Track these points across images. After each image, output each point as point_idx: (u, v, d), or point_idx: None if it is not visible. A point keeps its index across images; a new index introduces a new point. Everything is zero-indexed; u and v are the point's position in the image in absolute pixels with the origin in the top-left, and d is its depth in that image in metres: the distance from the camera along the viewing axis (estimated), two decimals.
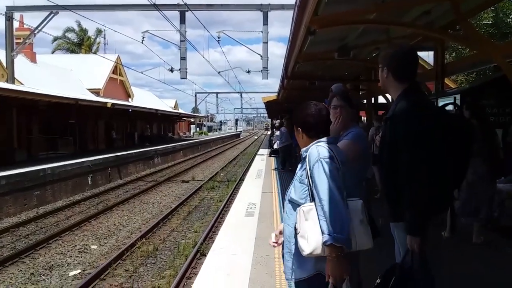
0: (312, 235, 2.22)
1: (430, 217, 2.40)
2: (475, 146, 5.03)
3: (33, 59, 29.70)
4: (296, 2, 5.67)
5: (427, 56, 15.59)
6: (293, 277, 2.38)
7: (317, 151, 2.35)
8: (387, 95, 11.52)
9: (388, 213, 2.57)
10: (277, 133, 16.40)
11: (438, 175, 2.35)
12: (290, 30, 7.38)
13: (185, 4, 18.61)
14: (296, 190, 2.43)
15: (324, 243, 2.15)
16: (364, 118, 14.02)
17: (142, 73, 29.00)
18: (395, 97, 2.57)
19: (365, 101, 14.88)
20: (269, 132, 53.26)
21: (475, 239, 5.34)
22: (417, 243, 2.33)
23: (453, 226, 2.55)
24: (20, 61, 24.22)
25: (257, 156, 22.54)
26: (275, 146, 14.78)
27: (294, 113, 2.64)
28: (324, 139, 2.44)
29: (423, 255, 2.37)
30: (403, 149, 2.36)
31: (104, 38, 46.65)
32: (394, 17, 7.47)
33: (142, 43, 21.34)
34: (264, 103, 30.64)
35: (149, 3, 16.05)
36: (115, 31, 49.81)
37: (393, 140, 2.44)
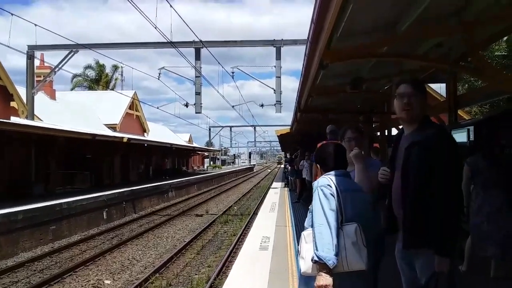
0: (309, 256, 2.48)
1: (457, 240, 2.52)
2: (492, 178, 4.98)
3: (52, 96, 30.51)
4: (308, 37, 5.79)
5: (439, 88, 15.60)
6: None
7: (318, 181, 2.66)
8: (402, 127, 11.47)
9: (409, 240, 2.56)
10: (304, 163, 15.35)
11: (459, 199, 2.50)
12: (303, 64, 7.50)
13: (201, 41, 19.10)
14: (307, 219, 2.70)
15: (311, 260, 2.43)
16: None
17: (158, 108, 29.51)
18: (415, 125, 2.64)
19: (378, 133, 14.85)
20: (282, 166, 52.96)
21: (494, 273, 5.18)
22: (447, 263, 2.38)
23: (461, 256, 2.63)
24: (40, 98, 24.91)
25: (270, 190, 22.44)
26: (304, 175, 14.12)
27: (315, 152, 2.97)
28: (333, 172, 2.71)
29: (451, 278, 2.43)
30: (444, 173, 2.42)
31: (122, 74, 47.87)
32: (406, 50, 7.55)
33: (159, 79, 21.86)
34: (278, 136, 30.80)
35: (165, 41, 16.51)
36: (132, 68, 51.20)
37: (424, 164, 2.48)
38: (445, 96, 10.83)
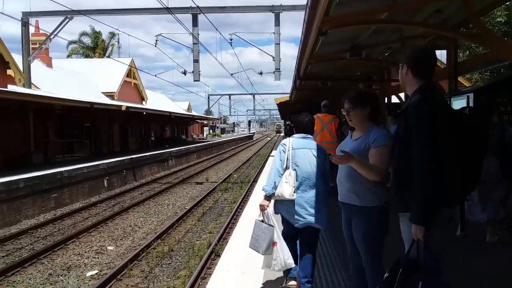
0: None
1: (437, 208, 2.45)
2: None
3: (49, 63, 30.17)
4: (307, 3, 5.71)
5: (440, 54, 15.46)
6: None
7: (283, 141, 4.09)
8: (401, 94, 11.47)
9: (394, 205, 2.69)
10: None
11: (446, 169, 2.41)
12: (302, 31, 7.42)
13: (198, 7, 18.75)
14: None
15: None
16: None
17: (156, 76, 29.37)
18: (411, 94, 2.68)
19: None
20: (282, 134, 52.87)
21: (489, 238, 5.31)
22: (422, 231, 2.39)
23: (463, 224, 2.52)
24: (37, 65, 24.64)
25: (270, 158, 22.57)
26: None
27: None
28: (298, 135, 4.06)
29: (429, 246, 2.41)
30: (413, 139, 2.44)
31: (118, 42, 47.18)
32: (406, 16, 7.46)
33: (156, 46, 21.61)
34: (277, 104, 30.70)
35: (161, 7, 16.22)
36: (128, 34, 50.40)
37: (405, 132, 2.52)
38: (445, 63, 10.77)
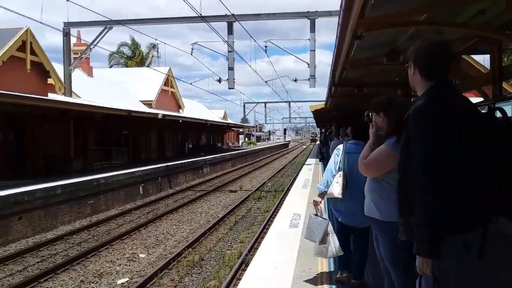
0: None
1: (447, 235, 1.98)
2: None
3: (90, 73, 31.09)
4: (341, 5, 5.50)
5: (483, 59, 14.79)
6: None
7: (338, 145, 4.57)
8: None
9: (402, 229, 2.21)
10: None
11: (458, 185, 1.98)
12: (336, 35, 7.20)
13: (233, 14, 18.79)
14: None
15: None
16: None
17: (191, 84, 29.58)
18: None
19: None
20: (317, 143, 52.05)
21: None
22: (429, 265, 1.94)
23: (483, 251, 1.99)
24: (78, 75, 25.40)
25: (304, 166, 22.25)
26: None
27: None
28: (352, 140, 4.42)
29: (439, 282, 2.00)
30: (412, 150, 2.04)
31: (157, 51, 48.07)
32: (446, 18, 7.08)
33: (192, 54, 21.83)
34: (312, 112, 30.34)
35: (196, 15, 16.33)
36: (165, 43, 51.11)
37: (407, 141, 2.12)
38: (488, 67, 10.23)
